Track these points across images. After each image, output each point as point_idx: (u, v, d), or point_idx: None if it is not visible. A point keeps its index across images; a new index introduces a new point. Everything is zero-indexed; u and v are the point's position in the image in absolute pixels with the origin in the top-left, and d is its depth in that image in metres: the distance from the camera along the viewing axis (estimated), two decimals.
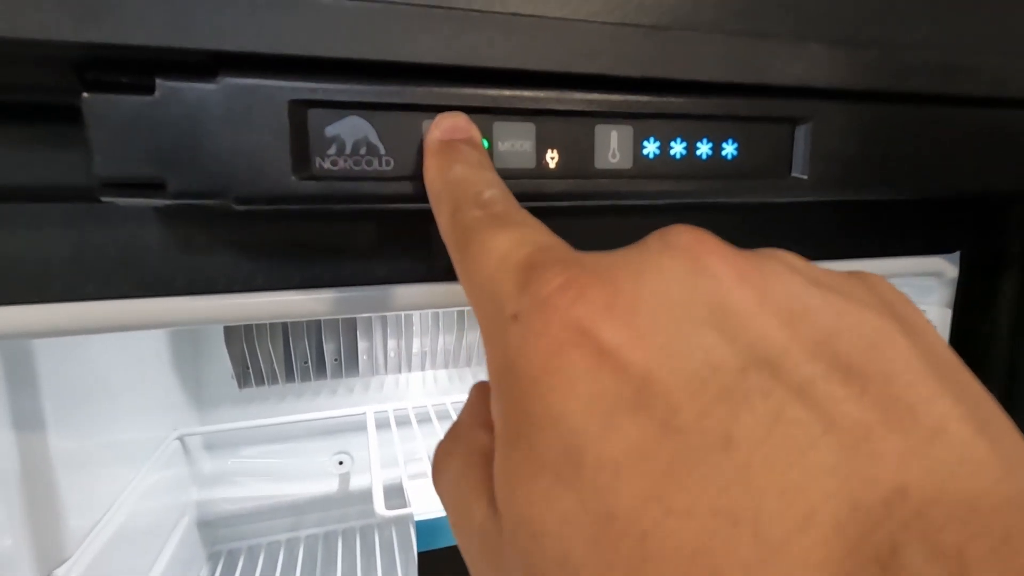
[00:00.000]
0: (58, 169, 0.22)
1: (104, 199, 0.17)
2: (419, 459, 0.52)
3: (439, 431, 0.61)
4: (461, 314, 0.66)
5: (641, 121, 0.22)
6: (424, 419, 0.65)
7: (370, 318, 0.63)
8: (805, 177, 0.24)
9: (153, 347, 0.56)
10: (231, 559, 0.67)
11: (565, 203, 0.22)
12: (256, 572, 0.64)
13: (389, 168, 0.19)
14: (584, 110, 0.21)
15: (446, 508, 0.14)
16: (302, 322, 0.61)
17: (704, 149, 0.23)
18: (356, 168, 0.19)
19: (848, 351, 0.10)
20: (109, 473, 0.43)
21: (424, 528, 0.42)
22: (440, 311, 0.65)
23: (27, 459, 0.33)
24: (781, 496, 0.08)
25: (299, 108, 0.18)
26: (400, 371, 0.70)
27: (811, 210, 0.32)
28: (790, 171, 0.24)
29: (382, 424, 0.62)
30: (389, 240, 0.25)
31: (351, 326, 0.63)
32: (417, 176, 0.20)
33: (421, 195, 0.20)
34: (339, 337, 0.63)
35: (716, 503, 0.08)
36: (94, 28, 0.16)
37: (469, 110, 0.20)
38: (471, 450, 0.14)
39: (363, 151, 0.19)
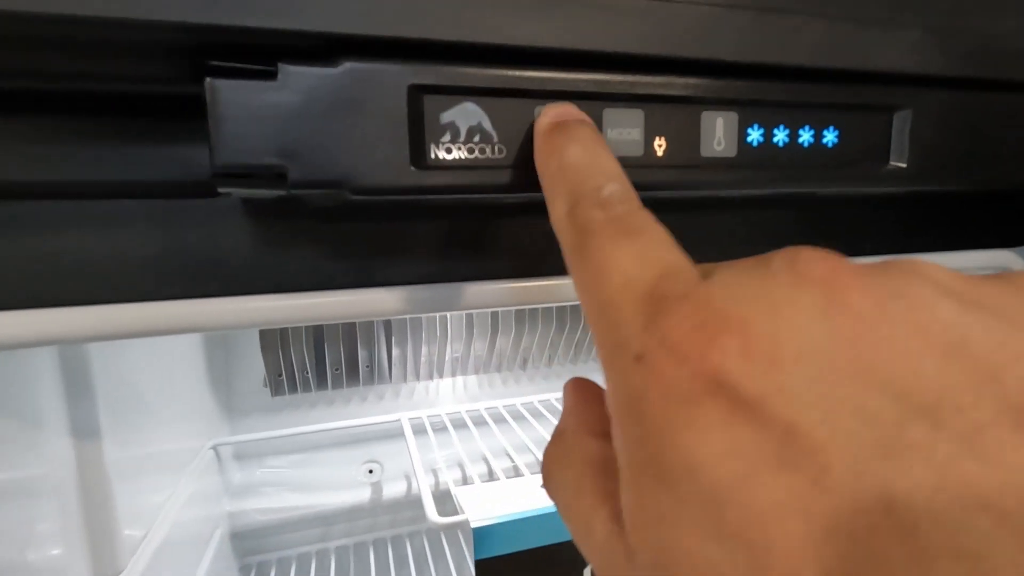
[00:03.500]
0: (147, 165, 0.21)
1: (221, 190, 0.17)
2: (460, 465, 0.51)
3: (476, 436, 0.60)
4: (495, 320, 0.65)
5: (746, 108, 0.21)
6: (460, 425, 0.64)
7: (405, 325, 0.62)
8: (903, 165, 0.24)
9: (188, 357, 0.55)
10: (262, 571, 0.66)
11: (671, 192, 0.21)
12: None
13: (502, 156, 0.19)
14: (692, 95, 0.21)
15: (564, 518, 0.14)
16: (336, 329, 0.60)
17: (806, 137, 0.22)
18: (470, 156, 0.18)
19: (1017, 389, 0.08)
20: (153, 483, 0.43)
21: (477, 535, 0.41)
22: (475, 317, 0.65)
23: (84, 467, 0.33)
24: (955, 561, 0.07)
25: (417, 93, 0.17)
26: (432, 378, 0.69)
27: (879, 204, 0.32)
28: (888, 159, 0.24)
29: (417, 431, 0.61)
30: (472, 237, 0.25)
31: (385, 333, 0.63)
32: (530, 164, 0.19)
33: (535, 184, 0.19)
34: (372, 344, 0.62)
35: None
36: (220, 10, 0.15)
37: (581, 95, 0.19)
38: (585, 460, 0.14)
39: (476, 138, 0.18)
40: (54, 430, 0.31)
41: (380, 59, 0.17)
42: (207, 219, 0.22)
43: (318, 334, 0.60)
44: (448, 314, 0.64)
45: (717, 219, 0.27)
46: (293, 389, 0.62)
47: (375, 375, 0.65)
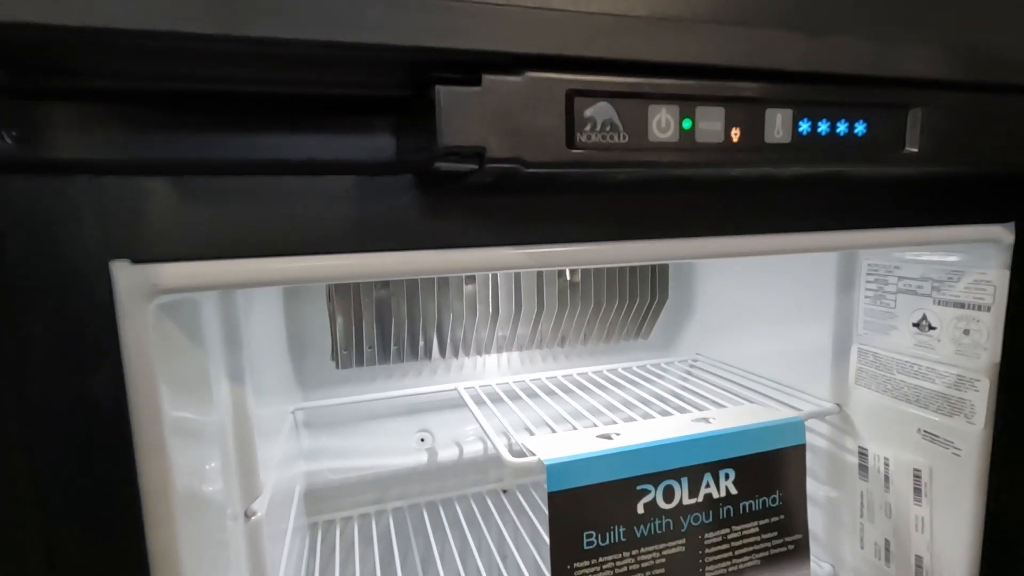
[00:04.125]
0: (342, 150, 0.28)
1: (439, 165, 0.24)
2: (522, 429, 0.58)
3: (530, 404, 0.67)
4: (541, 303, 0.72)
5: (799, 106, 0.28)
6: (513, 396, 0.70)
7: (461, 306, 0.69)
8: (916, 150, 0.31)
9: (278, 330, 0.62)
10: (327, 529, 0.72)
11: (743, 170, 0.28)
12: (354, 541, 0.69)
13: (625, 142, 0.26)
14: (759, 96, 0.27)
15: None
16: (402, 306, 0.67)
17: (842, 127, 0.29)
18: (603, 141, 0.25)
19: None
20: (266, 439, 0.49)
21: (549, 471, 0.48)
22: (523, 300, 0.71)
23: (237, 416, 0.39)
24: None
25: (571, 95, 0.24)
26: (480, 354, 0.76)
27: (888, 185, 0.39)
28: (904, 145, 0.31)
29: (474, 399, 0.68)
30: (582, 208, 0.31)
31: (440, 313, 0.69)
32: (645, 148, 0.26)
33: (650, 163, 0.26)
34: (431, 322, 0.69)
35: None
36: (450, 38, 0.22)
37: (680, 97, 0.26)
38: None
39: (608, 128, 0.25)
40: (217, 382, 0.37)
41: (549, 71, 0.24)
42: (387, 192, 0.29)
43: (383, 312, 0.67)
44: (499, 296, 0.71)
45: (770, 196, 0.33)
46: (360, 362, 0.69)
47: (430, 351, 0.72)
